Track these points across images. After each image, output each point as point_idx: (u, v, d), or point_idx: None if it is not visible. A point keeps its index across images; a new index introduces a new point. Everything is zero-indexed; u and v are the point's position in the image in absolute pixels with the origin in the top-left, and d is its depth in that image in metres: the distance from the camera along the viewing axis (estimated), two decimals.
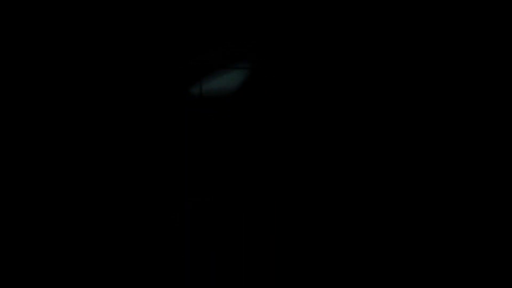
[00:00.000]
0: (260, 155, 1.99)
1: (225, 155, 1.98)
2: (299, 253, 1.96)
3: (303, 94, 1.98)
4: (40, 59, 1.85)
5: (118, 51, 1.90)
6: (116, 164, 1.89)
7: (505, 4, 1.88)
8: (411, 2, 1.97)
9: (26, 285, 1.82)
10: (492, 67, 1.97)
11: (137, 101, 1.91)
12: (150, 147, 1.92)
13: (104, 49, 1.89)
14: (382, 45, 1.99)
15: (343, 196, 1.98)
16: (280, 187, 1.96)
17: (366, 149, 1.98)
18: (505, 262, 1.92)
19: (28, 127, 1.84)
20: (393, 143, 1.99)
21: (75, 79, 1.87)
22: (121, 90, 1.90)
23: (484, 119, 1.98)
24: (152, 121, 1.92)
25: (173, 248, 1.92)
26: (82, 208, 1.87)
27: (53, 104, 1.86)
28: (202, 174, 1.96)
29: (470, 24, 1.97)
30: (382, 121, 1.99)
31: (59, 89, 1.87)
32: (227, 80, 1.95)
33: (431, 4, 1.97)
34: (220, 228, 1.97)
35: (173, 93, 1.93)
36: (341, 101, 1.99)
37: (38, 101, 1.85)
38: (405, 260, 1.96)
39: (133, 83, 1.91)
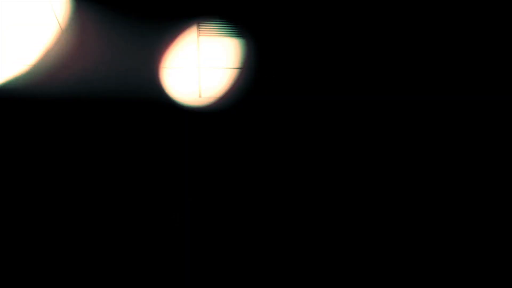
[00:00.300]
0: (259, 155, 1.99)
1: (225, 155, 1.99)
2: (300, 254, 1.96)
3: (303, 93, 1.98)
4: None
5: (118, 52, 1.91)
6: (117, 165, 1.90)
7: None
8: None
9: (27, 285, 1.84)
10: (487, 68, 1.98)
11: (137, 102, 1.92)
12: (150, 148, 1.93)
13: (105, 49, 1.90)
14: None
15: (343, 197, 1.98)
16: (279, 187, 1.97)
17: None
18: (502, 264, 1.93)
19: (35, 131, 1.86)
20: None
21: (76, 79, 1.89)
22: (121, 91, 1.91)
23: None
24: (152, 122, 1.93)
25: (173, 248, 1.93)
26: (83, 209, 1.88)
27: (54, 104, 1.87)
28: (202, 174, 1.97)
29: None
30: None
31: (61, 89, 1.88)
32: (227, 80, 1.96)
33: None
34: (220, 227, 1.98)
35: (173, 93, 1.94)
36: (338, 105, 1.99)
37: (38, 102, 1.87)
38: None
39: (133, 83, 1.92)
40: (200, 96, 1.95)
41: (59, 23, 1.56)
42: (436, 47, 1.98)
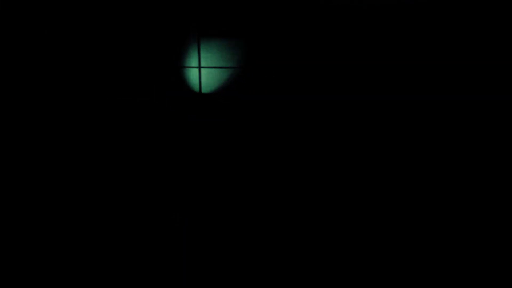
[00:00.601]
0: (260, 155, 1.99)
1: (225, 154, 1.99)
2: (299, 255, 1.95)
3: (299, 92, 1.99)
4: (40, 60, 1.87)
5: (118, 52, 1.92)
6: (117, 166, 1.90)
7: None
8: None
9: (28, 285, 1.83)
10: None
11: (137, 103, 1.92)
12: (150, 148, 1.93)
13: (105, 50, 1.91)
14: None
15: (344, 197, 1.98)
16: (279, 187, 1.97)
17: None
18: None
19: (35, 135, 1.86)
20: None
21: (76, 81, 1.89)
22: (121, 92, 1.92)
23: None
24: (152, 123, 1.93)
25: (173, 248, 1.92)
26: (84, 209, 1.87)
27: (54, 104, 1.88)
28: (201, 174, 1.96)
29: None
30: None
31: (62, 90, 1.88)
32: (226, 80, 1.97)
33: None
34: (220, 228, 1.97)
35: (173, 93, 1.94)
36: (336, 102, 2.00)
37: (38, 105, 1.87)
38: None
39: (134, 84, 1.92)
40: (200, 95, 1.95)
41: None
42: (436, 46, 1.99)
